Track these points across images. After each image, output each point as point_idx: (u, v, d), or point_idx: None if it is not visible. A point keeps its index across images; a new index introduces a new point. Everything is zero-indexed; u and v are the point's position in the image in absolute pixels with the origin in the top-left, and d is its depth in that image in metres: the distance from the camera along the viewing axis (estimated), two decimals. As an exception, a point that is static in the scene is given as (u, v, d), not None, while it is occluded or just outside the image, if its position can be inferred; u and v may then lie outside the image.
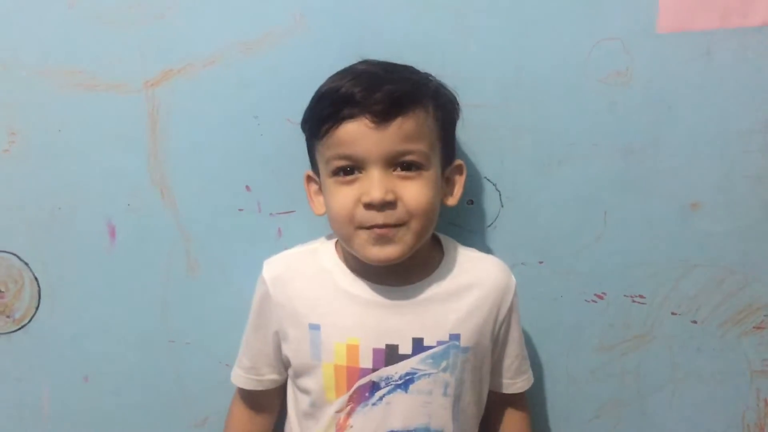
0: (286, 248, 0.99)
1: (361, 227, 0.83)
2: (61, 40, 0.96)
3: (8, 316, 1.02)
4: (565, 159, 1.00)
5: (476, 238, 1.01)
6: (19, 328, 1.03)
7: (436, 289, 0.89)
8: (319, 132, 0.85)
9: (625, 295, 1.04)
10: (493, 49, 0.97)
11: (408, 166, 0.83)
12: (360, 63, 0.88)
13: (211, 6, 0.96)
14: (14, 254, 1.01)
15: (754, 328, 1.04)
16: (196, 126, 0.99)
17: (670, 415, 1.07)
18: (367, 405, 0.87)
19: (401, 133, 0.82)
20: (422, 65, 0.91)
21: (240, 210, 1.01)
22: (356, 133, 0.82)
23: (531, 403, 1.05)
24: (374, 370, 0.87)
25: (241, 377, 0.96)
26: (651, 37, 0.97)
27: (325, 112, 0.84)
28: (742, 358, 1.05)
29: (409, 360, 0.87)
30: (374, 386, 0.87)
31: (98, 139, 0.98)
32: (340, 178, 0.84)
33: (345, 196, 0.84)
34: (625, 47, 0.97)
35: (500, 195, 1.01)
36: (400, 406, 0.87)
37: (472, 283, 0.91)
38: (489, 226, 1.01)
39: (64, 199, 1.00)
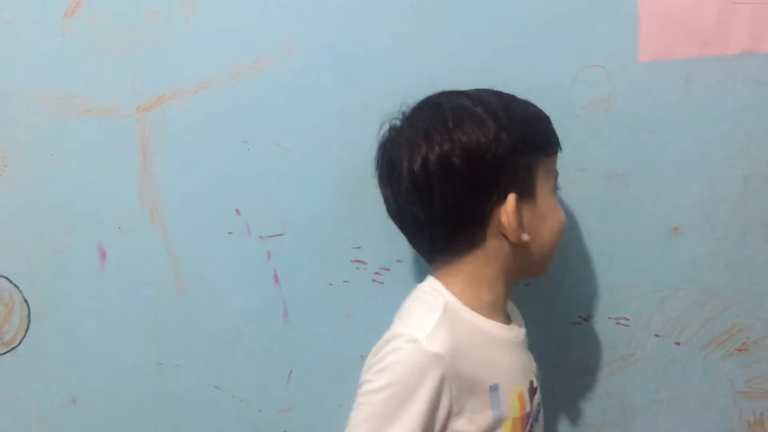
0: (275, 270, 1.02)
1: None
2: (54, 65, 0.97)
3: (-2, 339, 1.03)
4: (550, 183, 1.01)
5: (463, 261, 1.03)
6: (9, 351, 1.03)
7: (517, 320, 0.91)
8: (555, 147, 0.87)
9: (609, 317, 1.05)
10: (478, 75, 0.98)
11: None
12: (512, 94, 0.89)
13: (202, 33, 0.98)
14: (5, 277, 1.01)
15: (736, 350, 1.06)
16: (186, 150, 1.00)
17: (654, 436, 1.08)
18: None
19: None
20: (408, 91, 0.92)
21: (230, 233, 1.02)
22: None
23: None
24: (530, 411, 0.86)
25: None
26: (633, 65, 0.99)
27: (551, 129, 0.87)
28: (725, 380, 1.07)
29: (538, 392, 0.88)
30: (531, 427, 0.86)
31: (90, 163, 0.99)
32: (555, 197, 0.88)
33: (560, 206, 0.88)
34: (608, 75, 0.99)
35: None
36: None
37: (513, 308, 0.94)
38: (475, 249, 1.03)
39: (55, 222, 1.00)
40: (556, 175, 0.88)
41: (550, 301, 1.04)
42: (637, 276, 1.04)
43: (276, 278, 1.02)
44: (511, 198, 0.81)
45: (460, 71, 0.99)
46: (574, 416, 1.07)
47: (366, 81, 0.99)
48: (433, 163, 0.80)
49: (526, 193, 0.83)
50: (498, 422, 0.82)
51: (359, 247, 1.02)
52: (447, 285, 0.84)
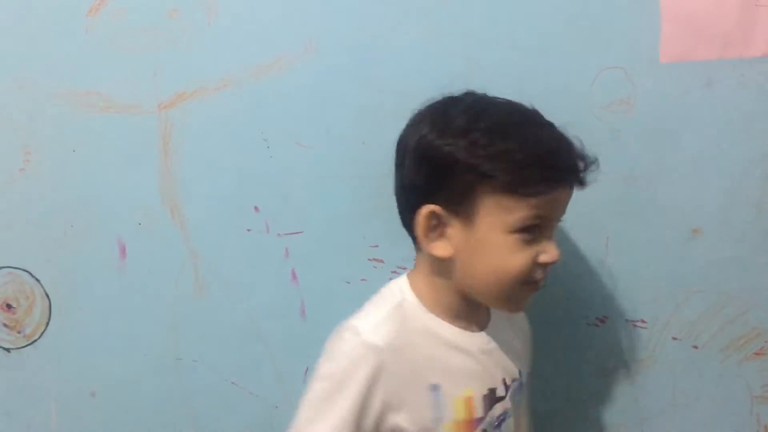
0: (293, 267, 1.02)
1: (526, 283, 0.82)
2: (77, 62, 0.98)
3: (19, 332, 1.04)
4: (568, 184, 1.01)
5: (480, 261, 1.03)
6: (29, 344, 1.04)
7: (501, 331, 0.90)
8: (528, 190, 0.79)
9: (626, 320, 1.05)
10: (497, 76, 0.98)
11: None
12: (543, 125, 0.84)
13: (223, 31, 0.99)
14: (26, 271, 1.02)
15: (754, 354, 1.05)
16: (207, 147, 1.01)
17: (670, 439, 1.08)
18: None
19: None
20: (427, 90, 0.92)
21: (248, 230, 1.02)
22: (561, 198, 0.82)
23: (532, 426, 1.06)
24: (484, 417, 0.85)
25: None
26: (653, 67, 0.99)
27: (546, 174, 0.79)
28: (743, 384, 1.06)
29: (503, 401, 0.87)
30: None
31: (111, 159, 1.01)
32: (526, 237, 0.80)
33: (527, 255, 0.80)
34: (628, 76, 0.99)
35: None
36: None
37: (516, 324, 0.94)
38: (493, 249, 1.03)
39: (77, 217, 1.01)
40: (532, 218, 0.80)
41: (568, 303, 1.04)
42: (655, 278, 1.03)
43: (294, 276, 1.03)
44: (428, 206, 0.80)
45: (480, 72, 0.99)
46: (591, 418, 1.07)
47: (385, 80, 0.99)
48: (409, 146, 0.83)
49: (461, 214, 0.80)
50: (437, 422, 0.83)
51: (377, 246, 1.03)
52: (412, 284, 0.86)
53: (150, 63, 0.99)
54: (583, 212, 1.01)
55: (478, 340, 0.87)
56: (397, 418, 0.82)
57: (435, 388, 0.83)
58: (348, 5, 0.99)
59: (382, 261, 1.03)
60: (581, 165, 0.82)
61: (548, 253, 0.81)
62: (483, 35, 0.99)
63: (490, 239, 0.80)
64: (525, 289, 0.83)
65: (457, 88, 0.95)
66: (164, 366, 1.05)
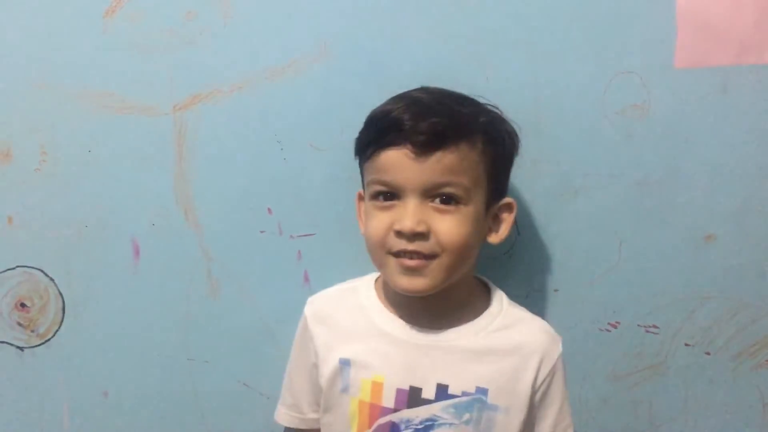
0: (306, 270, 1.03)
1: (390, 253, 0.83)
2: (94, 64, 0.99)
3: (32, 331, 1.04)
4: (582, 189, 1.01)
5: (492, 266, 1.03)
6: (43, 343, 1.04)
7: (471, 339, 0.88)
8: (365, 154, 0.87)
9: (638, 325, 1.04)
10: (512, 80, 0.99)
11: (446, 200, 0.82)
12: (419, 90, 0.88)
13: (238, 34, 0.99)
14: (41, 270, 1.03)
15: (766, 361, 1.05)
16: (221, 149, 1.01)
17: (682, 446, 1.07)
18: None
19: (441, 165, 0.81)
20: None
21: (261, 232, 1.03)
22: (396, 161, 0.82)
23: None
24: (395, 410, 0.86)
25: (284, 415, 0.98)
26: (668, 72, 0.99)
27: (371, 135, 0.86)
28: (755, 391, 1.06)
29: (431, 405, 0.85)
30: (394, 427, 0.86)
31: (126, 160, 1.01)
32: (379, 203, 0.85)
33: (380, 221, 0.84)
34: (643, 81, 0.99)
35: (516, 223, 1.02)
36: None
37: (514, 342, 0.89)
38: (505, 253, 1.03)
39: (92, 217, 1.02)
40: (375, 183, 0.85)
41: (579, 308, 1.04)
42: (667, 284, 1.03)
43: (306, 277, 1.03)
44: (357, 193, 0.93)
45: (494, 75, 0.99)
46: (601, 424, 1.07)
47: (399, 83, 0.98)
48: None
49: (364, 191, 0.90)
50: (345, 392, 0.88)
51: (389, 249, 1.03)
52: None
53: (165, 64, 0.99)
54: (595, 216, 1.02)
55: (413, 334, 0.88)
56: (321, 381, 0.91)
57: (346, 362, 0.88)
58: (362, 8, 0.99)
59: (394, 264, 1.03)
60: (417, 126, 0.81)
61: (399, 221, 0.82)
62: (497, 39, 0.99)
63: (366, 207, 0.89)
64: (392, 261, 0.84)
65: (470, 92, 0.96)
66: (176, 367, 1.05)
